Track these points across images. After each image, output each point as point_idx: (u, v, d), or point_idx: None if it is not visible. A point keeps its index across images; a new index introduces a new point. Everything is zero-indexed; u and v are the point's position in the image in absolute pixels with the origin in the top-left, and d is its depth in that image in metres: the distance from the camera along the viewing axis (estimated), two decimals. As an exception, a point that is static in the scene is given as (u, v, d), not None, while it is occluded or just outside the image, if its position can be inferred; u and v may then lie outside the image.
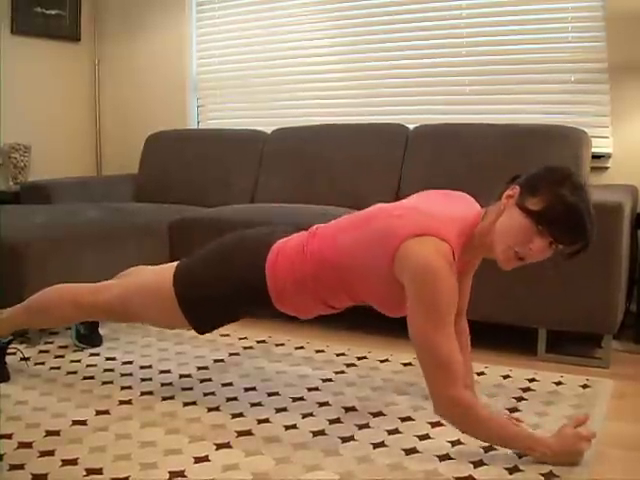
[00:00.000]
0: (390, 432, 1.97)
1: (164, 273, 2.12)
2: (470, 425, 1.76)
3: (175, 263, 2.17)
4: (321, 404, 2.19)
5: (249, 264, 2.00)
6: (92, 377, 2.43)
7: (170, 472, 1.71)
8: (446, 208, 1.86)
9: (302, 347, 2.80)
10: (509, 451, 1.80)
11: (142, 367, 2.54)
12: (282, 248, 2.00)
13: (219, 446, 1.87)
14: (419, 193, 2.06)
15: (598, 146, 3.33)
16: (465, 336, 2.12)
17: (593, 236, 1.74)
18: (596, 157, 3.32)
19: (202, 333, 2.16)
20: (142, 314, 2.17)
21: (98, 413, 2.10)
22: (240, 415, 2.10)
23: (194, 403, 2.19)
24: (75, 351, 2.72)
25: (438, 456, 1.81)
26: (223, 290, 2.02)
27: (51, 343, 2.81)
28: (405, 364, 2.57)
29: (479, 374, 2.44)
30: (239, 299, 2.03)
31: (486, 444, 1.84)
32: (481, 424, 1.75)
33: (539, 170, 1.82)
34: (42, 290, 2.36)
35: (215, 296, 2.03)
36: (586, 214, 1.71)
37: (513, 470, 1.72)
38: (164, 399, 2.23)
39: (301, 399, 2.24)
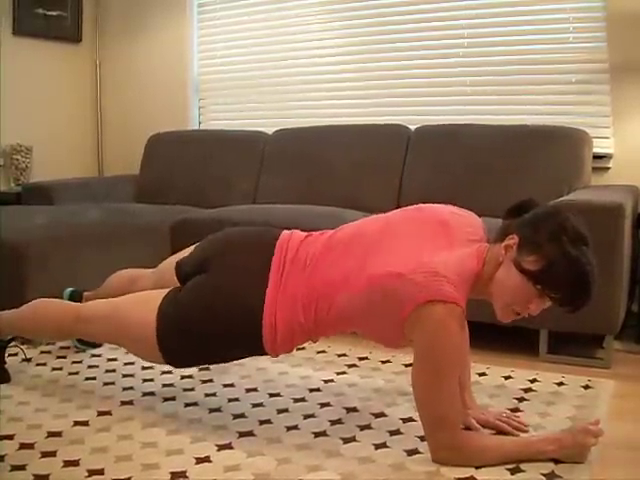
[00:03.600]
0: (392, 433, 1.97)
1: (148, 315, 1.95)
2: (472, 464, 1.75)
3: (160, 297, 1.99)
4: (322, 405, 2.19)
5: (244, 317, 1.87)
6: (94, 378, 2.43)
7: (172, 473, 1.71)
8: (451, 256, 1.75)
9: (303, 348, 2.79)
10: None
11: (144, 368, 2.54)
12: (280, 294, 1.86)
13: (220, 447, 1.87)
14: (417, 216, 1.92)
15: (599, 146, 3.33)
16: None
17: (594, 294, 1.69)
18: (597, 157, 3.32)
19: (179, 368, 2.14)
20: (126, 347, 2.10)
21: (100, 414, 2.10)
22: (242, 416, 2.10)
23: (195, 404, 2.20)
24: (77, 352, 2.72)
25: (440, 457, 1.81)
26: (211, 346, 1.92)
27: (53, 344, 2.81)
28: (406, 365, 2.57)
29: (481, 375, 2.44)
30: (227, 352, 1.96)
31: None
32: (481, 458, 1.75)
33: (537, 216, 1.76)
34: (32, 304, 2.28)
35: (201, 351, 1.94)
36: (589, 273, 1.65)
37: (515, 470, 1.72)
38: (165, 400, 2.23)
39: (302, 400, 2.24)
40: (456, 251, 1.78)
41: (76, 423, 2.02)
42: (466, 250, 1.79)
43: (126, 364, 2.58)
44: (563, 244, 1.66)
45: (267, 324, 1.85)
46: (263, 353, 1.92)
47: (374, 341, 1.91)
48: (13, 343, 2.47)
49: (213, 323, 1.88)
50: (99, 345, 2.77)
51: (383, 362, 2.62)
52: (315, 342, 1.98)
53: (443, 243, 1.80)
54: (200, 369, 2.52)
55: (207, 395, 2.28)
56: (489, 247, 1.82)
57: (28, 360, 2.54)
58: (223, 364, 2.47)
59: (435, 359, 1.70)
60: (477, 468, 1.73)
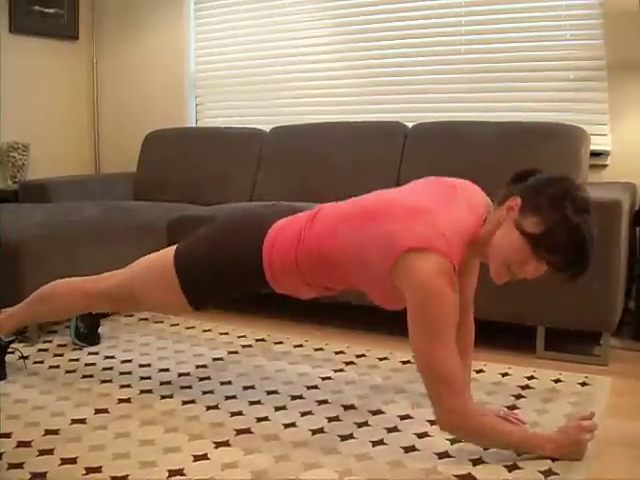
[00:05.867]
0: (389, 430, 1.97)
1: (166, 253, 2.15)
2: (476, 436, 1.76)
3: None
4: (320, 402, 2.20)
5: (247, 242, 2.01)
6: (91, 376, 2.43)
7: (169, 470, 1.71)
8: (449, 212, 1.79)
9: (301, 345, 2.80)
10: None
11: (141, 365, 2.54)
12: (281, 229, 2.00)
13: (218, 444, 1.87)
14: (423, 181, 1.98)
15: (597, 143, 3.32)
16: (470, 335, 2.07)
17: (591, 262, 1.68)
18: (595, 155, 3.32)
19: (197, 309, 2.17)
20: (145, 294, 2.16)
21: (97, 412, 2.10)
22: (239, 413, 2.10)
23: (193, 401, 2.19)
24: (74, 350, 2.72)
25: (437, 454, 1.81)
26: (221, 265, 2.03)
27: (50, 342, 2.81)
28: (404, 362, 2.57)
29: (478, 372, 2.45)
30: (235, 275, 2.04)
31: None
32: (487, 434, 1.75)
33: (542, 181, 1.76)
34: (46, 286, 2.38)
35: (213, 271, 2.04)
36: (586, 242, 1.65)
37: (512, 468, 1.72)
38: (163, 397, 2.23)
39: (300, 397, 2.24)
40: (457, 210, 1.81)
41: (74, 421, 2.02)
42: (467, 210, 1.82)
43: (123, 362, 2.58)
44: (565, 210, 1.65)
45: (273, 229, 1.99)
46: (266, 282, 2.01)
47: (366, 292, 1.92)
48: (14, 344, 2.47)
49: (222, 246, 2.05)
50: (96, 343, 2.77)
51: (380, 359, 2.62)
52: (311, 288, 2.02)
53: (446, 201, 1.83)
54: (197, 367, 2.52)
55: (204, 393, 2.28)
56: (490, 211, 1.84)
57: (25, 358, 2.54)
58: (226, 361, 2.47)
59: (428, 320, 1.70)
60: (475, 463, 1.73)
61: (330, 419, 2.06)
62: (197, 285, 2.08)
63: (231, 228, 2.10)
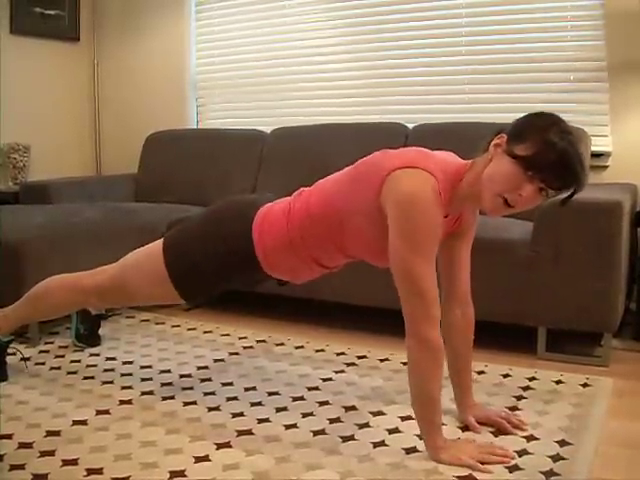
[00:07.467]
0: (390, 431, 1.97)
1: (155, 246, 2.14)
2: (427, 373, 1.76)
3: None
4: (321, 403, 2.20)
5: (236, 228, 2.00)
6: (92, 377, 2.43)
7: (170, 472, 1.71)
8: (437, 154, 1.86)
9: (302, 346, 2.80)
10: (510, 449, 1.81)
11: (142, 367, 2.54)
12: (269, 211, 2.01)
13: (219, 446, 1.87)
14: None
15: (597, 145, 3.32)
16: (469, 330, 2.03)
17: (584, 180, 1.71)
18: (595, 156, 3.31)
19: (190, 302, 2.17)
20: (136, 287, 2.14)
21: (98, 413, 2.10)
22: (240, 415, 2.10)
23: (194, 403, 2.20)
24: (75, 351, 2.72)
25: (438, 455, 1.81)
26: (211, 256, 2.01)
27: (51, 343, 2.81)
28: (405, 363, 2.56)
29: (479, 373, 2.45)
30: (228, 264, 2.02)
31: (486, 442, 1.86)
32: (434, 378, 1.76)
33: (525, 117, 1.79)
34: (37, 285, 2.36)
35: (203, 262, 2.02)
36: (576, 158, 1.67)
37: (513, 468, 1.72)
38: (164, 399, 2.23)
39: (301, 398, 2.24)
40: (446, 155, 1.90)
41: (75, 422, 2.02)
42: (454, 157, 1.90)
43: (125, 363, 2.58)
44: (551, 132, 1.67)
45: (260, 212, 2.00)
46: (259, 267, 2.00)
47: (359, 248, 1.92)
48: (13, 344, 2.47)
49: (210, 234, 2.04)
50: (97, 344, 2.77)
51: (381, 360, 2.62)
52: (304, 261, 2.00)
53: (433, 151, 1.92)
54: (199, 368, 2.52)
55: (206, 394, 2.28)
56: (475, 159, 1.85)
57: (26, 359, 2.54)
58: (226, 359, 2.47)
59: (409, 226, 1.71)
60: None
61: (331, 420, 2.06)
62: (187, 277, 2.06)
63: (218, 216, 2.10)
